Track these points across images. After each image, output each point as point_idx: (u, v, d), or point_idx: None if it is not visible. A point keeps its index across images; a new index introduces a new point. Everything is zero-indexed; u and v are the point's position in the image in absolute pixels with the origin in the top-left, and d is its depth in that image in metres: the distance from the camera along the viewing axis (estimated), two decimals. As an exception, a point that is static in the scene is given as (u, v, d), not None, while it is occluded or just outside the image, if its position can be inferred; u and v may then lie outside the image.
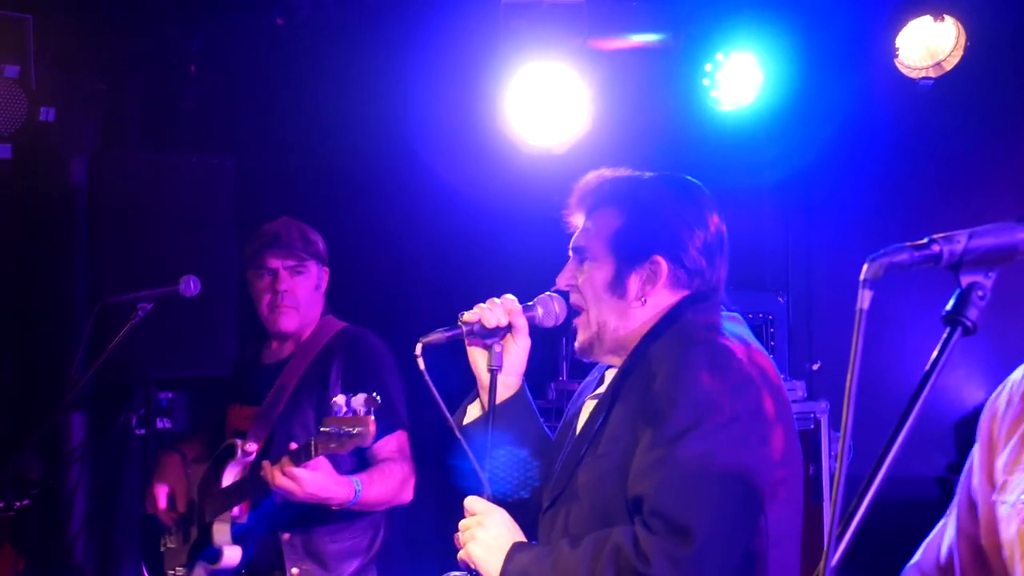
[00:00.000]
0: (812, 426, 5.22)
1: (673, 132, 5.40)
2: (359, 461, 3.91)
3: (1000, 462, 1.80)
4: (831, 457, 5.27)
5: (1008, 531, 1.74)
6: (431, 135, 5.32)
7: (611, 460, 2.47)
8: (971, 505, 1.88)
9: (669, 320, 2.59)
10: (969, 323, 1.53)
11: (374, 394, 3.40)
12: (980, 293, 1.55)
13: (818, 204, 6.14)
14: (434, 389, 2.55)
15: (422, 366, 2.54)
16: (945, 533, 1.96)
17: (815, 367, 5.64)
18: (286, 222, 4.17)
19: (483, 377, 2.69)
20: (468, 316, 2.65)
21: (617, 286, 2.62)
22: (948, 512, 1.96)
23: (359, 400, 3.38)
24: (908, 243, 1.54)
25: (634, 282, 2.61)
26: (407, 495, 3.92)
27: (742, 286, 5.47)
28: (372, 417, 3.37)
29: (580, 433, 2.64)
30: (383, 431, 3.73)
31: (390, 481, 3.86)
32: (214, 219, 4.52)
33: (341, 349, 4.00)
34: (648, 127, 5.33)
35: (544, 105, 4.96)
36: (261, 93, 5.52)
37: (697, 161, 5.51)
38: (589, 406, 2.68)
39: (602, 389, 2.68)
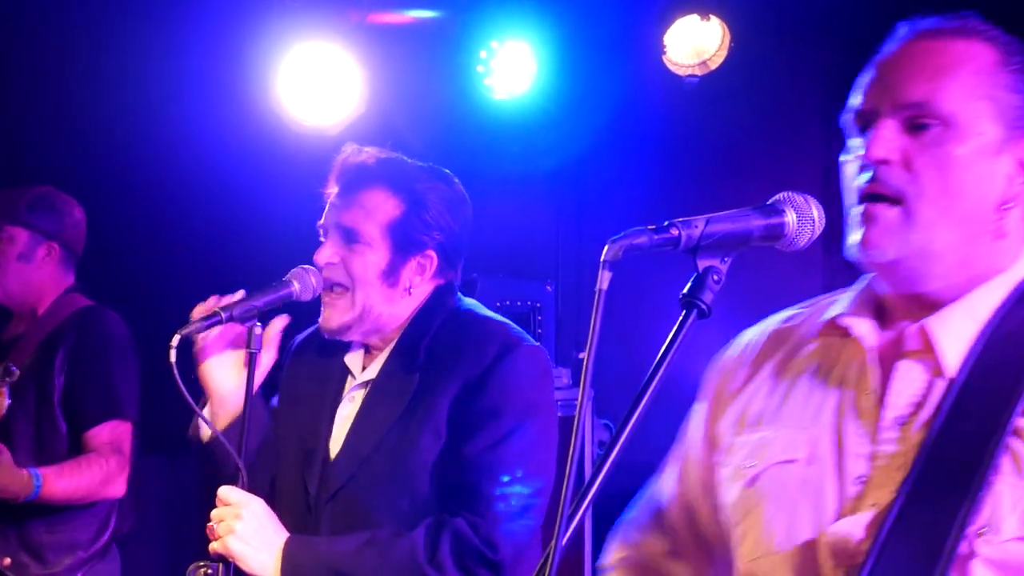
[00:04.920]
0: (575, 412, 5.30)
1: (447, 118, 5.40)
2: (75, 445, 3.67)
3: (725, 423, 1.83)
4: (593, 443, 5.37)
5: (730, 494, 1.76)
6: (203, 111, 5.18)
7: (428, 453, 2.56)
8: (688, 462, 1.92)
9: (439, 308, 2.69)
10: (704, 306, 1.57)
11: (10, 365, 3.26)
12: (716, 277, 1.59)
13: (589, 194, 6.24)
14: (181, 383, 2.41)
15: (173, 358, 2.41)
16: (663, 488, 1.98)
17: (581, 355, 5.74)
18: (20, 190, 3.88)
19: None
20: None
21: (390, 275, 2.65)
22: (663, 468, 1.98)
23: None
24: (648, 226, 1.57)
25: (406, 273, 2.66)
26: (114, 490, 3.61)
27: (512, 273, 5.52)
28: (4, 389, 3.26)
29: (360, 421, 2.64)
30: (97, 418, 3.57)
31: (87, 475, 3.57)
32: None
33: (72, 330, 3.73)
34: (423, 111, 5.31)
35: (317, 84, 4.88)
36: (37, 59, 5.27)
37: (471, 148, 5.54)
38: (355, 396, 2.68)
39: (368, 375, 2.68)
